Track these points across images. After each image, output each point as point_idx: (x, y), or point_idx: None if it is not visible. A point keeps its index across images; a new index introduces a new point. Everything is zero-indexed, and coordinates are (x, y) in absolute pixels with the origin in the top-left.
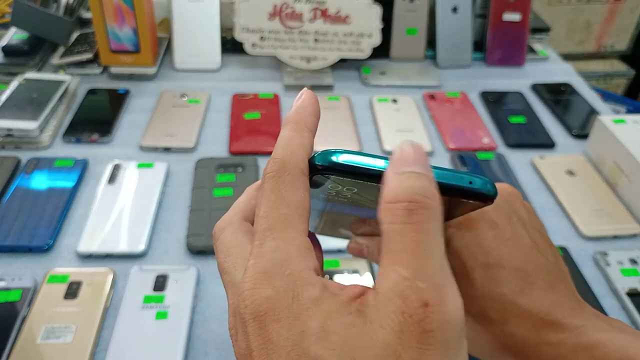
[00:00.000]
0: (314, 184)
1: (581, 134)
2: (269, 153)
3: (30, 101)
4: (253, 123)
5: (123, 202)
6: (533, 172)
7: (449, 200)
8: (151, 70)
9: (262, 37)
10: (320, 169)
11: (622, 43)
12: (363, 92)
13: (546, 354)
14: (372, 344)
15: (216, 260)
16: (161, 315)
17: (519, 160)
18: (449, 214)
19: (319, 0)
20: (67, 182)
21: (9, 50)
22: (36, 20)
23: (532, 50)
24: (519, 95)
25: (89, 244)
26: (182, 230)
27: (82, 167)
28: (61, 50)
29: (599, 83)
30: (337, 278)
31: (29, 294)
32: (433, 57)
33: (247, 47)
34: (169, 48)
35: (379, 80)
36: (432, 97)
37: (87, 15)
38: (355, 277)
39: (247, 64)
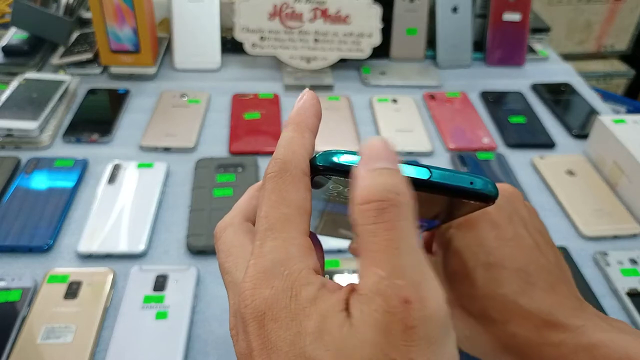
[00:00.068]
0: (315, 185)
1: (581, 134)
2: (269, 153)
3: (30, 101)
4: (253, 123)
5: (123, 202)
6: (533, 172)
7: (450, 200)
8: (151, 70)
9: (262, 37)
10: (322, 170)
11: (622, 43)
12: (363, 92)
13: (547, 354)
14: (362, 344)
15: (217, 260)
16: (161, 315)
17: (519, 160)
18: (450, 215)
19: (319, 0)
20: (67, 182)
21: (9, 50)
22: (36, 20)
23: (532, 50)
24: (519, 95)
25: (89, 244)
26: (182, 230)
27: (82, 167)
28: (61, 50)
29: (599, 83)
30: (337, 278)
31: (29, 294)
32: (433, 57)
33: (247, 47)
34: (169, 48)
35: (379, 80)
36: (432, 97)
37: (87, 15)
38: (355, 277)
39: (247, 64)
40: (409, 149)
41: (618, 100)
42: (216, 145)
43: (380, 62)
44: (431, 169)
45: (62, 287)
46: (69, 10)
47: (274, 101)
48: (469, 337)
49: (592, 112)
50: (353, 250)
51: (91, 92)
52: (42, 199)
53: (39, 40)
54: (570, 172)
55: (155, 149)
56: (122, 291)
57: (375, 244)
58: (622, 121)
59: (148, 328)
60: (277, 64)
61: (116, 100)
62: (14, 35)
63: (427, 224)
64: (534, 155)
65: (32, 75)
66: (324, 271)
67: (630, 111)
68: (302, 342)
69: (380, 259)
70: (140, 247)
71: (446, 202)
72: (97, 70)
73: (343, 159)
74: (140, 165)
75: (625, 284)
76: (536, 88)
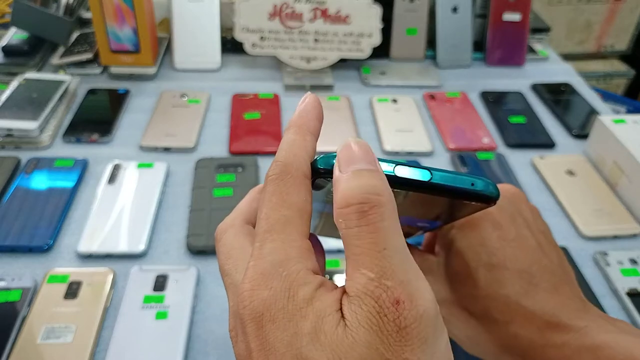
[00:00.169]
0: (316, 187)
1: (581, 134)
2: (269, 153)
3: (30, 101)
4: (253, 123)
5: (123, 202)
6: (533, 172)
7: (452, 202)
8: (151, 70)
9: (262, 37)
10: (323, 172)
11: (622, 43)
12: (363, 92)
13: (550, 356)
14: (356, 344)
15: (218, 262)
16: (161, 315)
17: (519, 160)
18: (452, 216)
19: (319, 0)
20: (67, 182)
21: (9, 50)
22: (36, 20)
23: (532, 50)
24: (519, 95)
25: (89, 244)
26: (182, 230)
27: (82, 167)
28: (61, 50)
29: (599, 83)
30: (337, 278)
31: (29, 294)
32: (433, 57)
33: (247, 47)
34: (169, 48)
35: (379, 80)
36: (432, 97)
37: (87, 15)
38: None
39: (247, 64)
40: (409, 149)
41: (618, 100)
42: (216, 145)
43: (380, 62)
44: (432, 171)
45: (62, 287)
46: (69, 10)
47: (274, 101)
48: (470, 337)
49: (592, 112)
50: None
51: (91, 92)
52: (42, 199)
53: (39, 40)
54: (570, 172)
55: (155, 149)
56: (122, 291)
57: (360, 246)
58: (622, 121)
59: (148, 328)
60: (277, 64)
61: (116, 100)
62: (14, 35)
63: (429, 225)
64: (534, 155)
65: (32, 75)
66: (324, 272)
67: (630, 111)
68: (299, 343)
69: (367, 261)
70: (140, 247)
71: (448, 203)
72: (97, 70)
73: None
74: (140, 165)
75: (625, 284)
76: (536, 88)
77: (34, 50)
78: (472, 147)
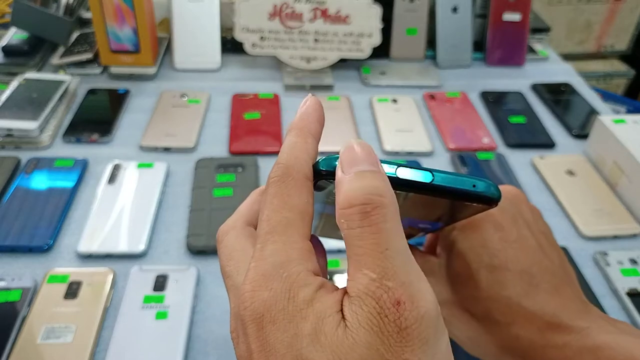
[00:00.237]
0: (317, 188)
1: (581, 134)
2: (269, 153)
3: (30, 101)
4: (253, 123)
5: (123, 202)
6: (533, 172)
7: (453, 203)
8: (151, 70)
9: (262, 37)
10: (325, 174)
11: (622, 43)
12: (363, 92)
13: (551, 357)
14: (356, 345)
15: (219, 263)
16: (161, 315)
17: (519, 160)
18: (453, 217)
19: (319, 0)
20: (67, 182)
21: (9, 50)
22: (36, 20)
23: (532, 50)
24: (519, 95)
25: (89, 244)
26: (182, 230)
27: (82, 167)
28: (61, 50)
29: (599, 83)
30: (337, 278)
31: (29, 294)
32: (433, 57)
33: (247, 47)
34: (169, 48)
35: (379, 80)
36: (432, 97)
37: (87, 15)
38: None
39: (247, 64)
40: (409, 149)
41: (618, 100)
42: (216, 145)
43: (380, 62)
44: (433, 172)
45: (62, 287)
46: (69, 10)
47: (274, 101)
48: (471, 338)
49: (592, 112)
50: None
51: (91, 92)
52: (42, 199)
53: (39, 40)
54: (570, 172)
55: (155, 149)
56: (122, 291)
57: (363, 247)
58: (622, 121)
59: (148, 328)
60: (277, 64)
61: (116, 100)
62: (14, 35)
63: (431, 226)
64: (534, 155)
65: (32, 75)
66: (326, 273)
67: (630, 111)
68: (299, 344)
69: (369, 261)
70: (140, 247)
71: (449, 204)
72: (97, 70)
73: None
74: (140, 165)
75: (625, 284)
76: (536, 88)
77: (34, 50)
78: (472, 147)
